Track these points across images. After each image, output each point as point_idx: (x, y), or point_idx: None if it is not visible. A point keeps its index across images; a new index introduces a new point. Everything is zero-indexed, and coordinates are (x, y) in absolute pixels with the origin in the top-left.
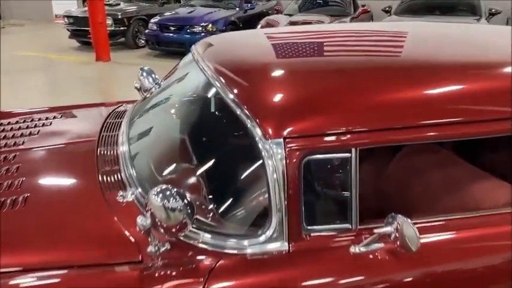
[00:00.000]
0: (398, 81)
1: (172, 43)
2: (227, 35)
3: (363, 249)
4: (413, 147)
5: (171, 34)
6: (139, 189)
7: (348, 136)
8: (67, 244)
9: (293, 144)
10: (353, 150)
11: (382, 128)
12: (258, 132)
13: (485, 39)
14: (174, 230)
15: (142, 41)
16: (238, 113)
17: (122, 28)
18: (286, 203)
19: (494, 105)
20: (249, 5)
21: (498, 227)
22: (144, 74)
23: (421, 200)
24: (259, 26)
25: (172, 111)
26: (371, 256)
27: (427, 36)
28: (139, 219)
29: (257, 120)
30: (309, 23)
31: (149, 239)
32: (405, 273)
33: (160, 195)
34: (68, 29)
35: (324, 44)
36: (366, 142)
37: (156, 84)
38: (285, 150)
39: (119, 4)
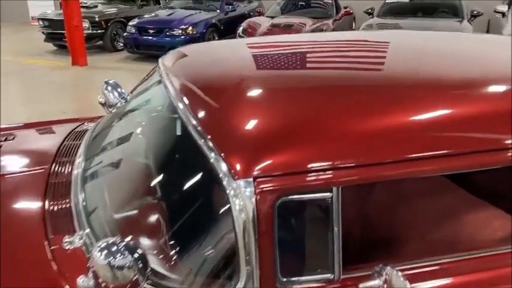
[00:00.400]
0: (387, 107)
1: (152, 46)
2: (201, 45)
3: None
4: None
5: (150, 37)
6: (88, 230)
7: (329, 173)
8: None
9: (266, 185)
10: (334, 189)
11: (368, 163)
12: (223, 168)
13: (481, 53)
14: None
15: (121, 44)
16: (201, 143)
17: (99, 31)
18: (257, 252)
19: (497, 133)
20: (230, 7)
21: (498, 270)
22: (109, 88)
23: (409, 229)
24: (240, 29)
25: (134, 135)
26: None
27: (416, 50)
28: (81, 281)
29: (222, 154)
30: (291, 25)
31: None
32: None
33: (105, 251)
34: (43, 32)
35: (306, 59)
36: (349, 180)
37: (122, 98)
38: (255, 191)
39: (96, 6)
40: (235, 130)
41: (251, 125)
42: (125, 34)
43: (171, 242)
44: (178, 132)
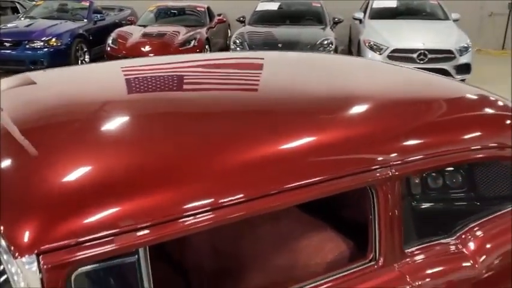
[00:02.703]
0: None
1: (9, 61)
2: (30, 76)
3: None
4: None
5: (7, 51)
6: None
7: (130, 235)
8: None
9: (54, 259)
10: (140, 251)
11: (176, 216)
12: (1, 243)
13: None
14: None
15: None
16: None
17: None
18: None
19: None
20: (99, 15)
21: None
22: None
23: (253, 256)
24: (110, 39)
25: None
26: None
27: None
28: None
29: (1, 227)
30: (164, 34)
31: None
32: None
33: None
34: None
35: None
36: (156, 237)
37: None
38: (41, 268)
39: None
40: (18, 191)
41: (38, 182)
42: None
43: None
44: None
